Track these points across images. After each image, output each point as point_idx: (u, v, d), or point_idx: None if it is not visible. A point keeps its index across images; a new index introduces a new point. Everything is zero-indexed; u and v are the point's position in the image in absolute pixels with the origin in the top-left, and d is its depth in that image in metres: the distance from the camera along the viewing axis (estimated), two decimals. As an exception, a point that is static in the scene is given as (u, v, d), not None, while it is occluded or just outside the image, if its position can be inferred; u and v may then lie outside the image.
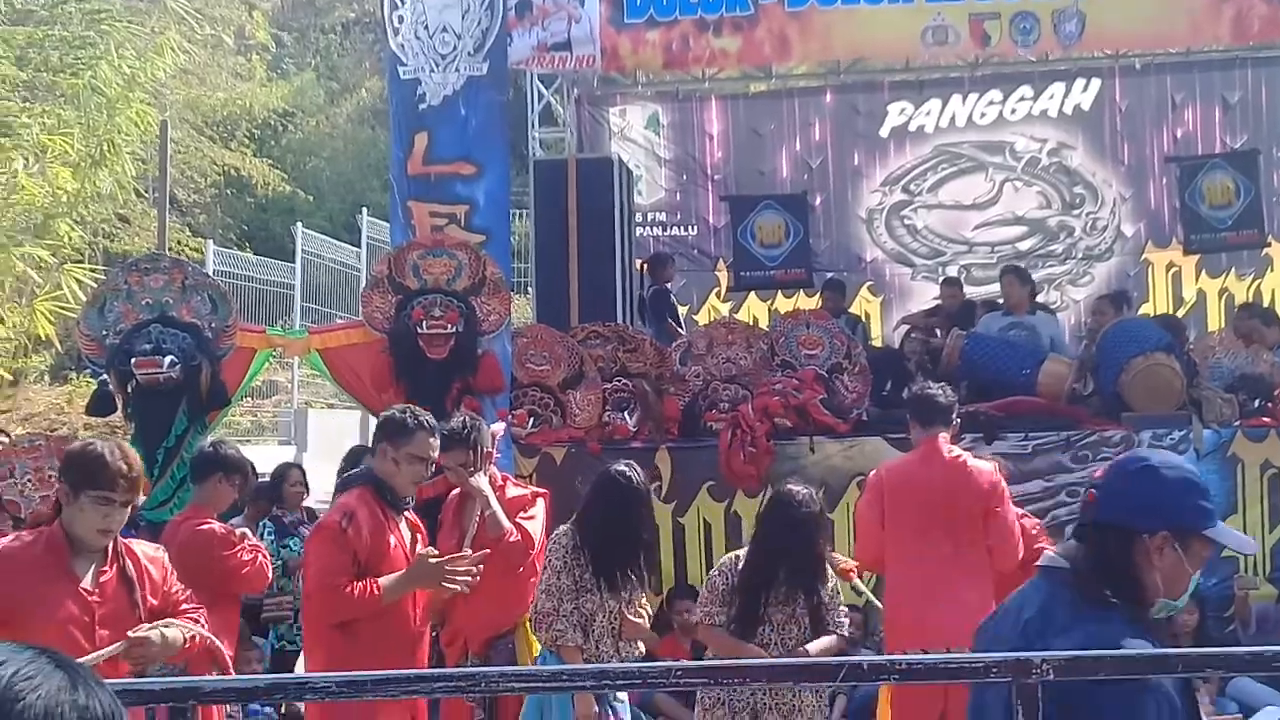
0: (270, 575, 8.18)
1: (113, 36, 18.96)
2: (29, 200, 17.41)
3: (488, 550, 6.89)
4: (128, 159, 18.43)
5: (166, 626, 5.40)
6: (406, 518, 6.69)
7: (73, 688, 1.84)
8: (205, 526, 8.04)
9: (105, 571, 5.35)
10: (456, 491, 7.67)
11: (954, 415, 8.45)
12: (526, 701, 7.17)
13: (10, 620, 5.11)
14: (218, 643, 5.66)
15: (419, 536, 6.73)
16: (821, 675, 4.36)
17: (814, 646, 7.01)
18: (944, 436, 8.17)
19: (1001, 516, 8.02)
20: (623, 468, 7.38)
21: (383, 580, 6.30)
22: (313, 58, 34.20)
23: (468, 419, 7.73)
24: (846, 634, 7.38)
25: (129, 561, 5.43)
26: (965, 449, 10.80)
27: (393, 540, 6.49)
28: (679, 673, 3.92)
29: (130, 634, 5.22)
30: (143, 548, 5.65)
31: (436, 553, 6.48)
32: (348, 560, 6.29)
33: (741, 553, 7.23)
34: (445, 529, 7.62)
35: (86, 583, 5.30)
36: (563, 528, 7.37)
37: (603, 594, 7.15)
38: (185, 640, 5.44)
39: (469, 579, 6.44)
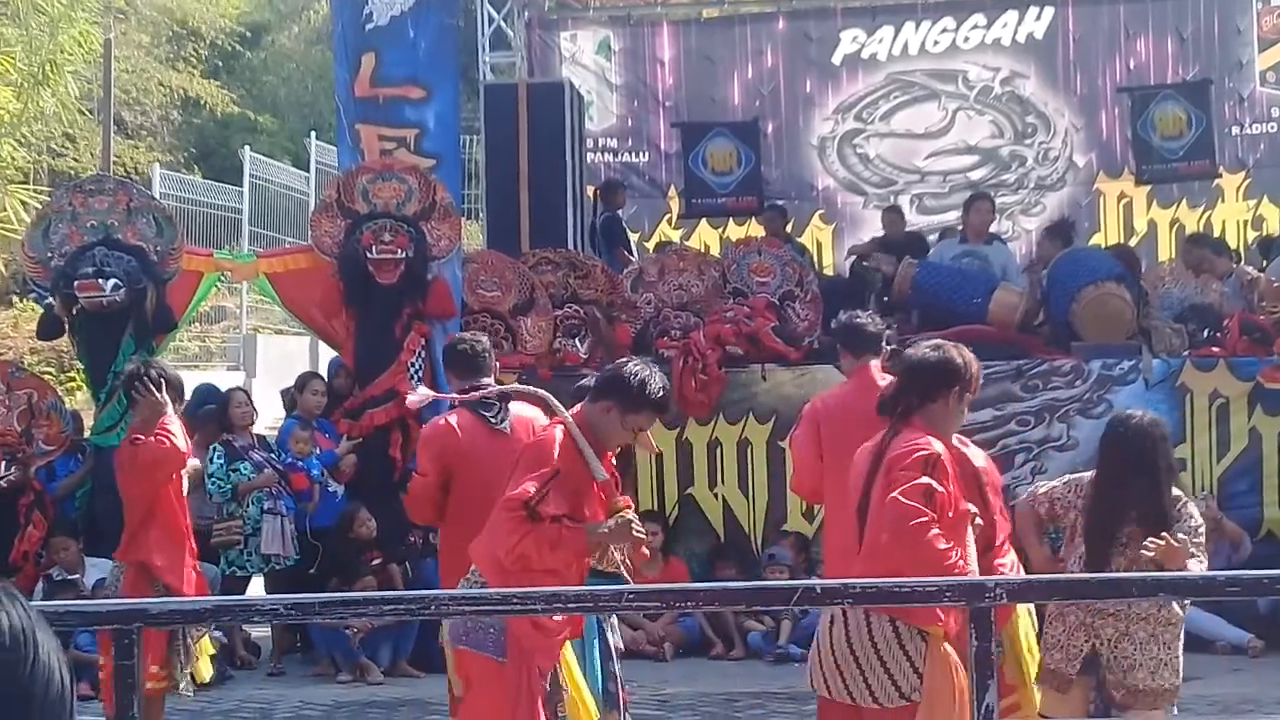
0: (186, 448, 8.05)
1: (55, -46, 18.65)
2: (-30, 121, 17.17)
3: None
4: (70, 78, 18.17)
5: None
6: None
7: None
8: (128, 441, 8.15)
9: None
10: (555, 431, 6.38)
11: (884, 343, 8.46)
12: None
13: None
14: None
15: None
16: (775, 599, 4.35)
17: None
18: (875, 364, 8.16)
19: None
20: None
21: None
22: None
23: None
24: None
25: None
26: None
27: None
28: (631, 596, 3.90)
29: None
30: None
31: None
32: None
33: (1088, 477, 6.59)
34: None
35: None
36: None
37: None
38: None
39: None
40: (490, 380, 7.77)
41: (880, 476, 5.81)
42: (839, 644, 5.77)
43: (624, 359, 6.79)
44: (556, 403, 6.33)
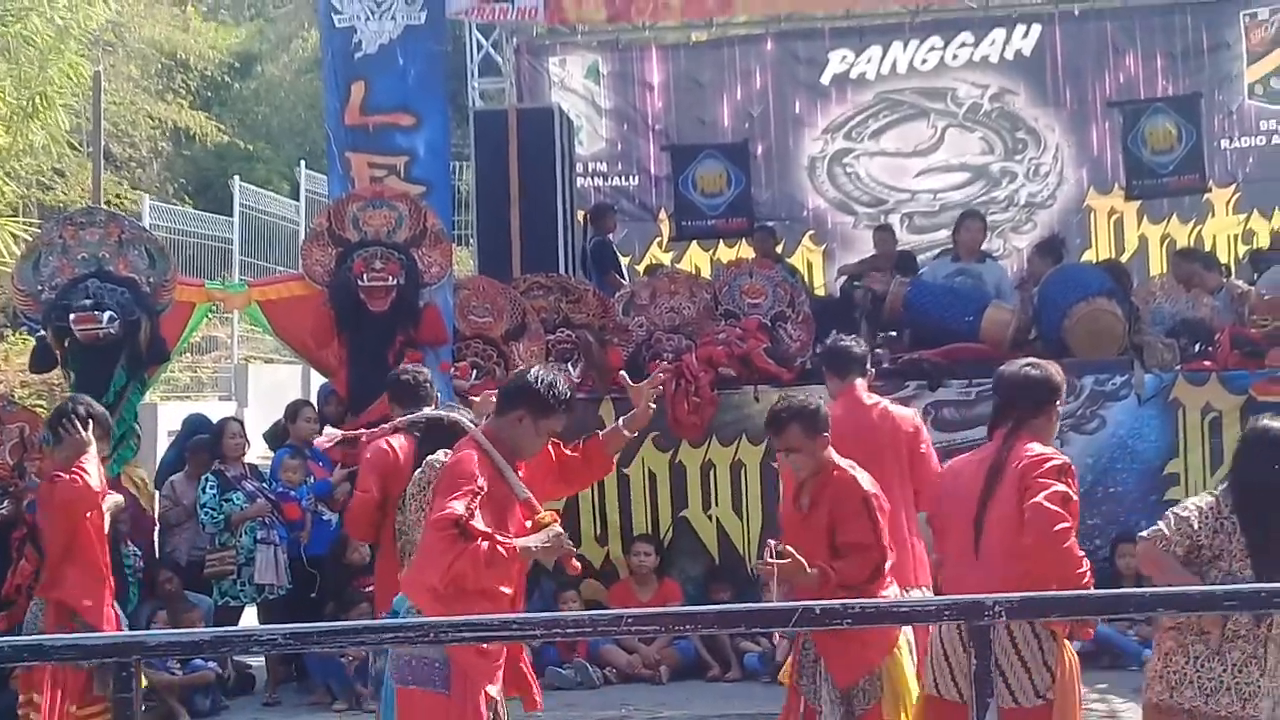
0: (100, 487, 8.04)
1: (43, -13, 18.67)
2: (-41, 155, 17.15)
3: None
4: (60, 111, 18.17)
5: None
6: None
7: None
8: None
9: None
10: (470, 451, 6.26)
11: (868, 364, 8.58)
12: None
13: None
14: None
15: None
16: (774, 621, 4.33)
17: None
18: (860, 384, 8.31)
19: (926, 458, 8.21)
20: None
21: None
22: (249, 8, 33.88)
23: None
24: None
25: None
26: (907, 397, 10.89)
27: None
28: (630, 620, 3.88)
29: None
30: None
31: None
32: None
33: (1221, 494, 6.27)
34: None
35: None
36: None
37: None
38: None
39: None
40: (430, 409, 7.89)
41: (1007, 485, 6.09)
42: None
43: (524, 367, 6.83)
44: (468, 423, 6.39)
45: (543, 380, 6.15)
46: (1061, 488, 5.97)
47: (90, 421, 8.11)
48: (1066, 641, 6.10)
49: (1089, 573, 5.96)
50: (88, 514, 7.97)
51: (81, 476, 7.88)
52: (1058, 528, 5.86)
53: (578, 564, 6.41)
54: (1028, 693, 5.96)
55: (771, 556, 6.34)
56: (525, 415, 6.10)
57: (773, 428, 6.67)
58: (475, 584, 5.82)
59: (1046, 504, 5.89)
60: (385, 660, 7.39)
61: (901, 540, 7.74)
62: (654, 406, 6.83)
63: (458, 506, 5.80)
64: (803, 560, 6.25)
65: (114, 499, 8.51)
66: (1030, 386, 6.34)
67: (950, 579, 6.33)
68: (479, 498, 5.86)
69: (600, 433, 6.69)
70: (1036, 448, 6.15)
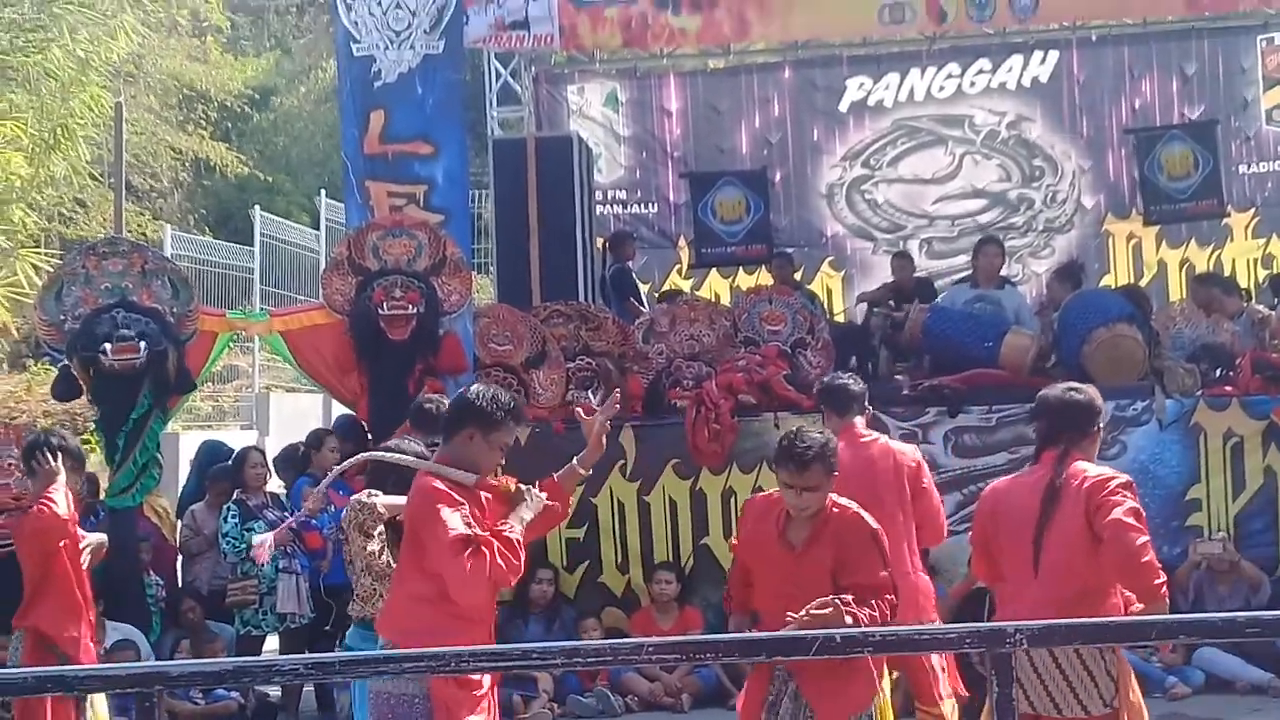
0: (68, 515, 8.05)
1: (65, 20, 18.77)
2: (-20, 186, 17.25)
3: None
4: (81, 143, 18.27)
5: None
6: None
7: None
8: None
9: None
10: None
11: (866, 402, 8.59)
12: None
13: None
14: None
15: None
16: (795, 649, 4.34)
17: None
18: (859, 421, 8.34)
19: (929, 493, 8.25)
20: None
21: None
22: (269, 39, 34.05)
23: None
24: None
25: None
26: (927, 424, 10.87)
27: None
28: (651, 649, 3.89)
29: None
30: None
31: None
32: None
33: None
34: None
35: None
36: None
37: None
38: None
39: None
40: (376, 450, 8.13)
41: (1068, 505, 6.23)
42: (1043, 661, 6.10)
43: (462, 388, 6.92)
44: (413, 460, 6.55)
45: (483, 395, 6.32)
46: (1133, 503, 6.18)
47: (61, 453, 8.14)
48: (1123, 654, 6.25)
49: (1166, 589, 6.14)
50: (60, 543, 7.97)
51: (49, 506, 7.88)
52: (1139, 542, 6.06)
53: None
54: (1095, 702, 6.10)
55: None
56: (474, 433, 6.26)
57: (793, 466, 6.34)
58: (505, 582, 6.10)
59: (1125, 519, 6.08)
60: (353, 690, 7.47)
61: (903, 574, 7.74)
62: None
63: (457, 526, 5.93)
64: (843, 610, 6.10)
65: (96, 538, 8.49)
66: (1076, 410, 6.51)
67: (1007, 597, 6.43)
68: (461, 510, 6.01)
69: (555, 474, 6.64)
70: (1094, 468, 6.35)
